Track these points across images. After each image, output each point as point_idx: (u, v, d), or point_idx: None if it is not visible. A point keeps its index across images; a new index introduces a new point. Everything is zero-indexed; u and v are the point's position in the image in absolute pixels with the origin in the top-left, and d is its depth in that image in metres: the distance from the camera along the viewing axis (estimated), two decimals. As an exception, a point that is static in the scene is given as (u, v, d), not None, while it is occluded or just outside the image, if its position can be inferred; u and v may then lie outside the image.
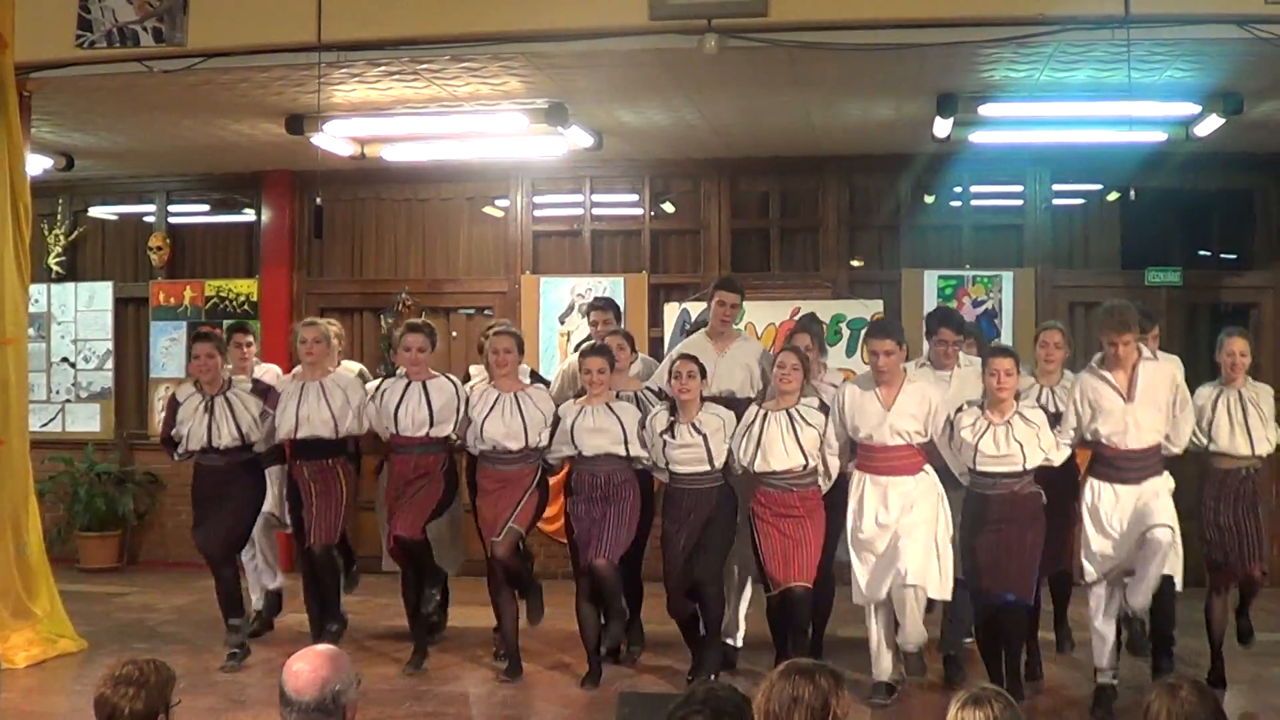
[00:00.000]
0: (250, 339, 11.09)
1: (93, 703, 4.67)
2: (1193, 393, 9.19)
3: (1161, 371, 8.83)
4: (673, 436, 9.18)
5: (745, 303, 12.34)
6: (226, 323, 13.69)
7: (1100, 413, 8.70)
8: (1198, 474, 9.40)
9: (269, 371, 11.02)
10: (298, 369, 10.30)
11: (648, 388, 9.92)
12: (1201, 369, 10.13)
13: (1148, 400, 8.69)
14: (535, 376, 10.46)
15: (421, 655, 9.91)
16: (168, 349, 14.47)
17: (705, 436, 9.14)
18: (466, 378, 10.28)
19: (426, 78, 10.13)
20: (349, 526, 10.07)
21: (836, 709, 4.21)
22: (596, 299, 11.10)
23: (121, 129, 12.12)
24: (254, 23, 9.51)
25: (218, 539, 9.93)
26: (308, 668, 4.47)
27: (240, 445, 9.91)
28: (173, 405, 10.08)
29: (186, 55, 9.57)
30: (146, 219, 14.98)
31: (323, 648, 4.63)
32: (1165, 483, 8.84)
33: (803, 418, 9.02)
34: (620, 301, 12.93)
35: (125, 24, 9.56)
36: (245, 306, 14.31)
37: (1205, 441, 9.20)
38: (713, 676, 9.07)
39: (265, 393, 10.01)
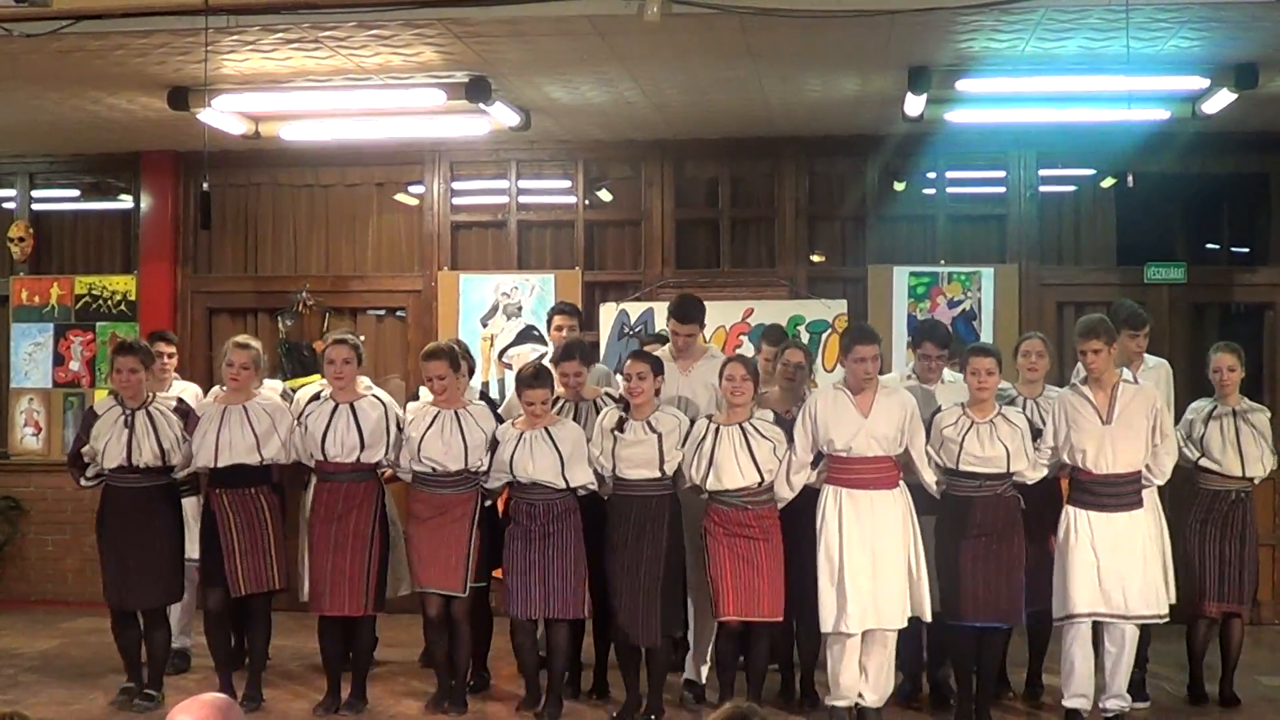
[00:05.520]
0: (172, 349, 11.22)
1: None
2: (1186, 406, 9.81)
3: (1141, 396, 9.20)
4: (622, 432, 9.37)
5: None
6: (101, 325, 13.92)
7: (1078, 432, 9.13)
8: (1186, 494, 9.77)
9: (188, 390, 11.09)
10: (217, 389, 10.34)
11: (607, 393, 10.28)
12: (1206, 378, 10.25)
13: (1125, 424, 9.10)
14: (485, 397, 10.63)
15: (355, 692, 10.04)
16: (31, 355, 14.26)
17: (660, 436, 9.33)
18: (415, 397, 10.46)
19: (330, 46, 10.04)
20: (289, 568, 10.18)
21: None
22: (561, 304, 11.56)
23: (-24, 102, 11.98)
24: (131, -19, 9.38)
25: (156, 588, 9.89)
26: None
27: (160, 466, 9.86)
28: (89, 418, 10.05)
29: (53, 18, 9.27)
30: (6, 205, 14.80)
31: (210, 697, 4.53)
32: (1146, 516, 9.21)
33: (758, 431, 9.24)
34: (549, 302, 13.07)
35: (-21, -18, 9.34)
36: (122, 306, 14.16)
37: (1196, 455, 9.60)
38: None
39: (186, 415, 10.02)
